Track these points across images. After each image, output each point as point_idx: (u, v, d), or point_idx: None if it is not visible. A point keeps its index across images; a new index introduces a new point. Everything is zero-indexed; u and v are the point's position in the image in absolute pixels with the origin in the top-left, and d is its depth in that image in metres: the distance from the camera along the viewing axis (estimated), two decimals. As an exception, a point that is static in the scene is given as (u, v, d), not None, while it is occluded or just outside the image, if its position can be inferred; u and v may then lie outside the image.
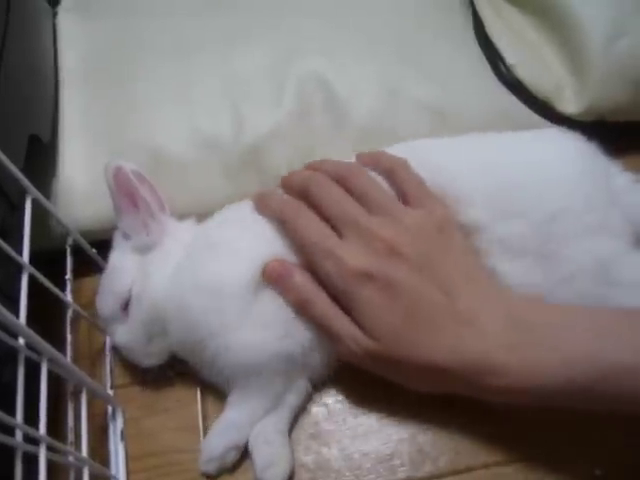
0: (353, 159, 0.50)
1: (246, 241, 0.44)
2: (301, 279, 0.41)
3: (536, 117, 0.55)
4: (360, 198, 0.42)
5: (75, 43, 0.59)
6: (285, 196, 0.45)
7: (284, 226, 0.43)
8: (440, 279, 0.39)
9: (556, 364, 0.36)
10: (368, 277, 0.39)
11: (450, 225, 0.42)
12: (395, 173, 0.44)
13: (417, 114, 0.53)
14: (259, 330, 0.41)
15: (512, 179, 0.44)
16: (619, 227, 0.43)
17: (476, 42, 0.58)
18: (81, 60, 0.58)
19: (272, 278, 0.42)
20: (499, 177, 0.44)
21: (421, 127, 0.53)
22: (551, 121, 0.55)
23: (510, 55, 0.56)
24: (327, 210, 0.42)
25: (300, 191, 0.44)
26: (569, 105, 0.54)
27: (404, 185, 0.43)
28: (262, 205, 0.45)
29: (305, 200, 0.43)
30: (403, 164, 0.44)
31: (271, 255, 0.43)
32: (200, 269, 0.43)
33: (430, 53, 0.56)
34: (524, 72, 0.55)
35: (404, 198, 0.43)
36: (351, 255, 0.39)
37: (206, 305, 0.42)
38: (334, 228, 0.42)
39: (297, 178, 0.45)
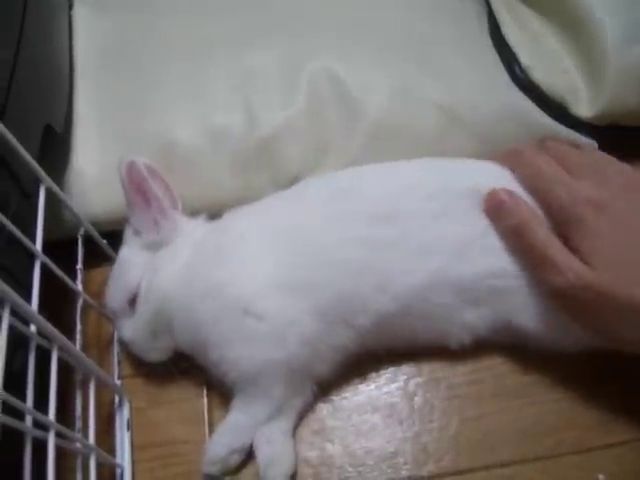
0: (365, 155, 0.51)
1: (251, 252, 0.43)
2: (525, 205, 0.41)
3: (549, 120, 0.54)
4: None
5: (90, 35, 0.59)
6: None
7: (521, 165, 0.45)
8: None
9: None
10: (602, 207, 0.39)
11: None
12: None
13: (429, 113, 0.53)
14: (254, 342, 0.41)
15: None
16: None
17: (491, 43, 0.58)
18: (96, 52, 0.58)
19: (494, 203, 0.42)
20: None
21: (433, 126, 0.52)
22: (565, 124, 0.54)
23: (525, 57, 0.56)
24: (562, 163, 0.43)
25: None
26: (583, 109, 0.54)
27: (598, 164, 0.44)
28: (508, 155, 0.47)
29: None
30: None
31: (275, 265, 0.42)
32: (205, 275, 0.43)
33: (444, 52, 0.56)
34: (539, 74, 0.55)
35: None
36: (588, 188, 0.40)
37: (208, 311, 0.42)
38: None
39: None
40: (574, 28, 0.55)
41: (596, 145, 0.55)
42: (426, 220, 0.42)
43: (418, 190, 0.44)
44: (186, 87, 0.55)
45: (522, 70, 0.55)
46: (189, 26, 0.59)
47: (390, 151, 0.51)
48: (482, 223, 0.43)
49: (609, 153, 0.51)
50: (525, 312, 0.42)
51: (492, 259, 0.42)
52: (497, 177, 0.45)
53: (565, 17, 0.56)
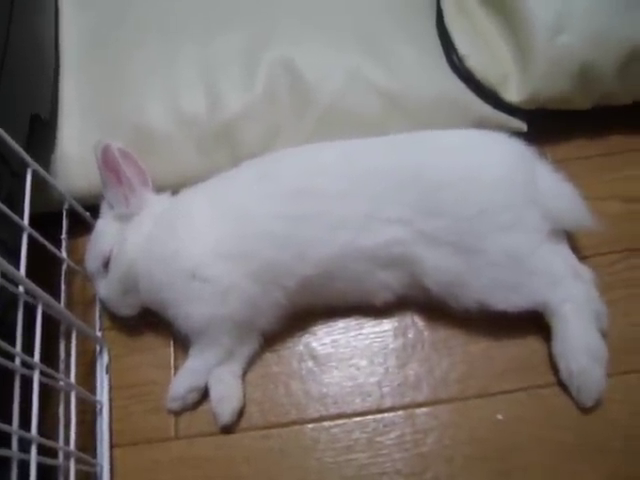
0: (314, 138, 0.57)
1: (197, 226, 0.51)
2: None
3: (483, 105, 0.60)
4: None
5: (74, 27, 0.65)
6: None
7: None
8: None
9: None
10: None
11: None
12: None
13: (371, 98, 0.59)
14: (202, 301, 0.49)
15: (441, 180, 0.49)
16: (535, 224, 0.49)
17: (435, 32, 0.63)
18: (78, 43, 0.64)
19: None
20: (429, 178, 0.49)
21: (377, 111, 0.59)
22: (497, 109, 0.60)
23: (463, 46, 0.61)
24: None
25: None
26: (513, 94, 0.60)
27: None
28: None
29: None
30: None
31: (216, 237, 0.50)
32: (161, 245, 0.51)
33: (390, 40, 0.61)
34: (475, 63, 0.60)
35: None
36: None
37: (164, 276, 0.50)
38: None
39: None
40: (510, 17, 0.60)
41: (525, 127, 0.61)
42: (337, 198, 0.49)
43: (330, 171, 0.50)
44: (158, 73, 0.61)
45: (459, 58, 0.61)
46: (162, 17, 0.65)
47: (337, 135, 0.57)
48: (384, 199, 0.49)
49: (538, 135, 0.57)
50: (426, 273, 0.49)
51: (390, 230, 0.49)
52: (409, 154, 0.51)
53: (503, 6, 0.61)
